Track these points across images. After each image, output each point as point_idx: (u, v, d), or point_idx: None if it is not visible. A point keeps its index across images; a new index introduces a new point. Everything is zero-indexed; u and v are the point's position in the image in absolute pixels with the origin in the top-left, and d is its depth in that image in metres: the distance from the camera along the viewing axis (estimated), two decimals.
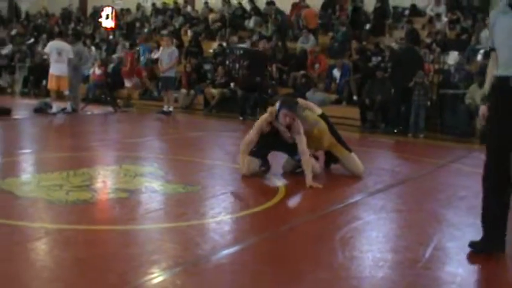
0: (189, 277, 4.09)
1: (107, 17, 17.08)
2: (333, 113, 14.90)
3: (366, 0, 20.94)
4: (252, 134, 7.46)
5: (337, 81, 16.21)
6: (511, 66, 4.52)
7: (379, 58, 16.18)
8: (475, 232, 4.97)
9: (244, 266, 4.39)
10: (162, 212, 5.83)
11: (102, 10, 17.50)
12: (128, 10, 25.87)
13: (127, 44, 21.10)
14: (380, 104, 13.73)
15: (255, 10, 22.41)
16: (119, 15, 21.45)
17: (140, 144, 10.70)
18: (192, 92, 17.90)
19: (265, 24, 21.01)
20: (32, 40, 24.50)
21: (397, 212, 6.32)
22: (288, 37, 20.23)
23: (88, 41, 20.99)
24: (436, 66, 14.81)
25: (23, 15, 29.96)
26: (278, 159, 7.86)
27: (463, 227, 5.68)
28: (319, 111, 7.94)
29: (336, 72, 16.32)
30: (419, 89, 12.88)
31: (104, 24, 17.80)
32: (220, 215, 5.73)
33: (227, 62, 18.41)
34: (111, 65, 19.63)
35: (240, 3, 23.48)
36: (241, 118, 15.39)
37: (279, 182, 7.30)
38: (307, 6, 20.98)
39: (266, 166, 7.73)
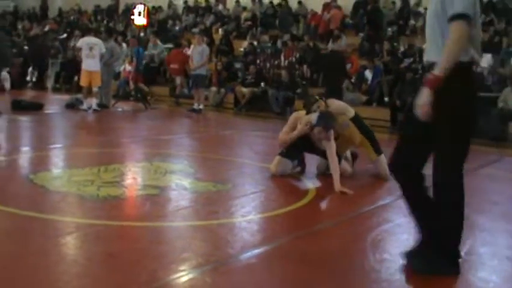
0: (219, 276, 4.08)
1: (139, 14, 17.16)
2: (363, 114, 14.82)
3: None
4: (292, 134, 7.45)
5: (369, 82, 16.12)
6: None
7: (411, 59, 16.06)
8: (508, 238, 4.90)
9: (274, 266, 4.36)
10: (192, 210, 5.84)
11: (134, 7, 17.58)
12: (160, 8, 25.98)
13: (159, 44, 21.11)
14: (410, 105, 13.60)
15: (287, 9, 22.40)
16: (150, 13, 21.53)
17: (170, 142, 10.73)
18: (222, 90, 17.93)
19: (296, 24, 20.98)
20: (65, 36, 24.71)
21: None
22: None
23: (119, 38, 21.09)
24: None
25: (56, 12, 30.24)
26: (312, 160, 7.83)
27: (496, 232, 5.60)
28: (351, 113, 7.85)
29: (368, 73, 16.23)
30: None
31: (136, 22, 17.89)
32: (250, 214, 5.72)
33: (258, 61, 18.40)
34: (143, 62, 19.70)
35: (271, 2, 23.47)
36: None
37: (310, 183, 7.27)
38: (339, 7, 20.91)
39: (301, 166, 7.71)
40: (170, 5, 26.70)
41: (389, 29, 19.35)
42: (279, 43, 19.38)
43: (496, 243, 5.04)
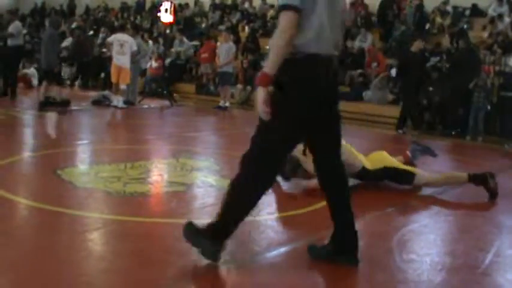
0: (245, 273, 4.09)
1: (166, 12, 17.21)
2: (389, 113, 14.85)
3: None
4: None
5: (395, 81, 15.99)
6: None
7: (437, 58, 15.92)
8: None
9: (300, 264, 4.34)
10: (218, 207, 5.83)
11: (161, 4, 17.63)
12: (186, 5, 26.02)
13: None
14: (437, 105, 13.51)
15: None
16: (177, 10, 21.57)
17: (196, 139, 10.76)
18: (248, 87, 17.92)
19: None
20: (91, 33, 24.86)
21: (455, 216, 6.21)
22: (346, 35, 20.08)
23: (146, 35, 21.16)
24: (497, 68, 14.49)
25: (83, 9, 30.44)
26: None
27: None
28: (358, 167, 6.81)
29: (394, 72, 16.09)
30: (479, 91, 12.64)
31: (162, 19, 17.93)
32: (276, 212, 5.73)
33: None
34: (169, 59, 19.79)
35: None
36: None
37: None
38: (366, 5, 20.82)
39: None
40: (197, 2, 26.71)
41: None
42: None
43: None
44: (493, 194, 6.65)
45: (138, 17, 27.03)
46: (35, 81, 19.20)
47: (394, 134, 12.84)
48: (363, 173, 6.75)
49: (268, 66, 3.71)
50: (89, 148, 9.02)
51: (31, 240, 4.61)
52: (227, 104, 16.08)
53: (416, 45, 13.12)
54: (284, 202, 6.24)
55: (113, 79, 14.74)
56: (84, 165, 7.68)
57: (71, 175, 6.65)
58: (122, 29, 16.46)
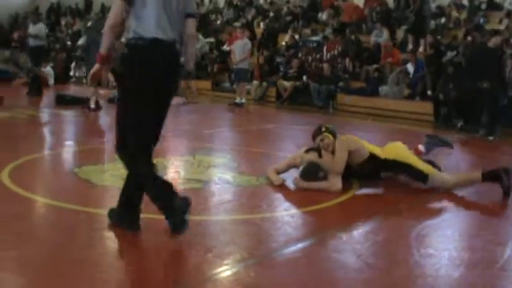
0: (263, 269, 4.09)
1: None
2: (405, 108, 14.81)
3: None
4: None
5: (411, 76, 15.92)
6: None
7: (454, 52, 15.80)
8: None
9: (318, 260, 4.35)
10: (235, 204, 5.85)
11: None
12: (201, 2, 26.06)
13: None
14: (454, 100, 13.41)
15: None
16: None
17: (213, 135, 10.77)
18: (264, 84, 17.91)
19: (337, 18, 20.84)
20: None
21: (473, 211, 6.18)
22: (362, 30, 20.02)
23: None
24: None
25: (99, 8, 30.54)
26: None
27: None
28: (365, 155, 6.80)
29: (410, 67, 16.02)
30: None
31: None
32: (293, 208, 5.73)
33: (300, 55, 18.33)
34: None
35: None
36: None
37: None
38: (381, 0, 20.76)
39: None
40: None
41: (432, 22, 19.05)
42: (320, 36, 19.25)
43: None
44: (508, 192, 6.45)
45: None
46: (51, 81, 19.28)
47: (409, 129, 12.75)
48: (372, 160, 6.71)
49: (102, 48, 4.42)
50: (105, 146, 9.03)
51: (49, 238, 4.63)
52: (243, 101, 16.09)
53: (494, 42, 12.86)
54: (304, 197, 6.20)
55: None
56: (101, 163, 7.70)
57: (88, 173, 6.67)
58: None
